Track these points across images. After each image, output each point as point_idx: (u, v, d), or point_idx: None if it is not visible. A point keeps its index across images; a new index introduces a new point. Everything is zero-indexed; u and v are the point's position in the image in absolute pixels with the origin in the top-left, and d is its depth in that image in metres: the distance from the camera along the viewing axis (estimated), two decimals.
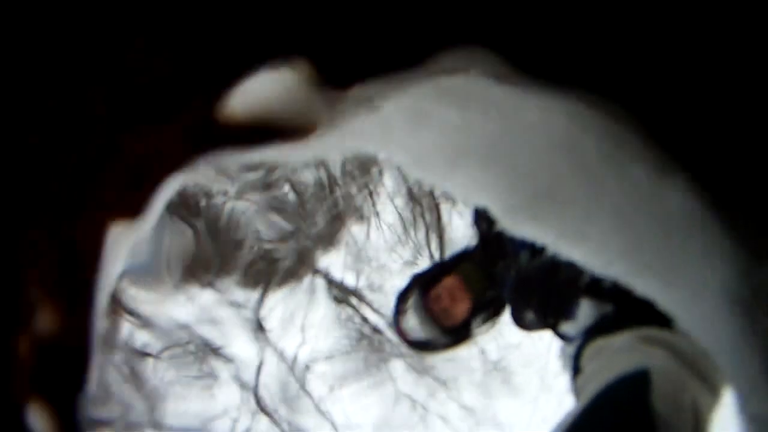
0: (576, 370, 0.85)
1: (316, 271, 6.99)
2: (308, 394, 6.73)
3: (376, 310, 7.10)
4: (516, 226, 0.66)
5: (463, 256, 1.59)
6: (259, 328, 7.32)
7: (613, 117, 0.49)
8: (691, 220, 0.50)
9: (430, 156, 0.59)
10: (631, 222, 0.56)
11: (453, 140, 0.58)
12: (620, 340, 0.76)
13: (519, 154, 0.62)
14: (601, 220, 0.59)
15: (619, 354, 0.73)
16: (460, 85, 0.50)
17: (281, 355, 7.06)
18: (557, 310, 1.12)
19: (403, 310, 1.55)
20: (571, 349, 0.90)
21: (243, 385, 3.55)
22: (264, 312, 7.58)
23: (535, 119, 0.55)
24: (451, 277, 1.48)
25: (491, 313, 1.53)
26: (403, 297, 1.57)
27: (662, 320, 0.63)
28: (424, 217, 6.51)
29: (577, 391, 0.78)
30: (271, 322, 7.80)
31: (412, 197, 7.01)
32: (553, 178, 0.61)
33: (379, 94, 0.50)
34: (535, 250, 1.25)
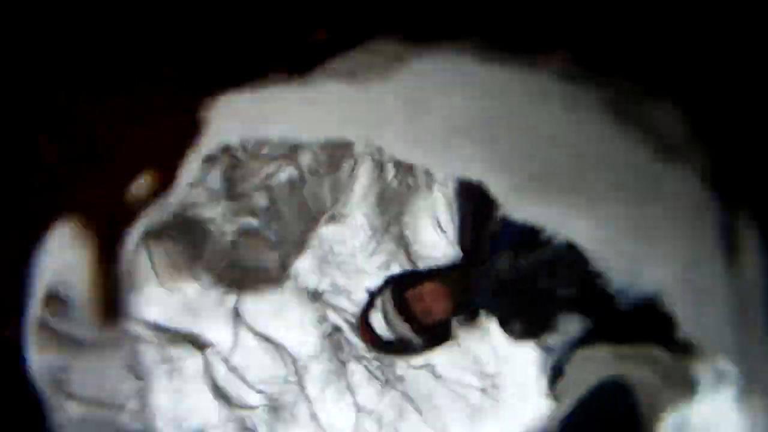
0: (555, 377, 0.93)
1: (287, 275, 6.92)
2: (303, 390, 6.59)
3: (344, 318, 6.98)
4: (520, 206, 0.66)
5: (446, 268, 1.61)
6: (236, 316, 7.04)
7: (610, 93, 0.52)
8: (688, 200, 0.54)
9: (428, 138, 0.57)
10: (633, 200, 0.56)
11: (452, 122, 0.56)
12: (601, 354, 0.82)
13: (518, 135, 0.63)
14: (604, 200, 0.60)
15: (601, 365, 0.78)
16: (457, 67, 0.49)
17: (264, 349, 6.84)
18: (539, 319, 1.20)
19: (373, 306, 1.58)
20: (552, 359, 0.99)
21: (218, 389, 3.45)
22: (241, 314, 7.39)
23: (532, 101, 0.57)
24: (432, 283, 1.52)
25: (470, 316, 1.56)
26: (377, 293, 1.59)
27: (638, 336, 0.69)
28: (389, 227, 6.52)
29: (557, 396, 0.85)
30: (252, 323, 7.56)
31: (383, 199, 7.01)
32: (553, 158, 0.62)
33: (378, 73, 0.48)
34: (516, 255, 1.28)
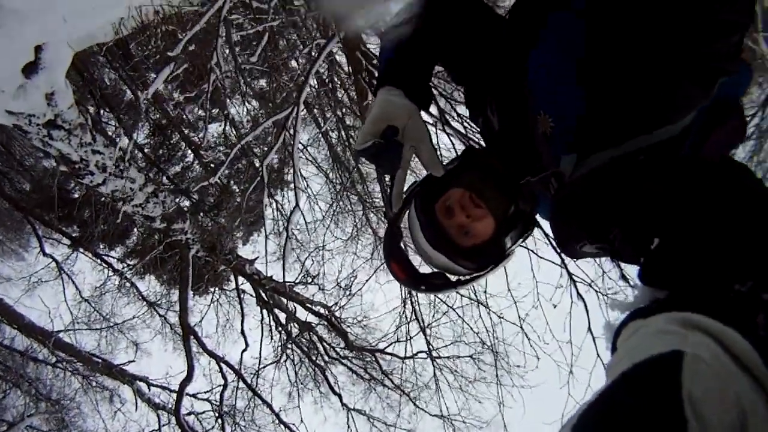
0: (613, 350, 0.76)
1: (240, 271, 6.45)
2: (266, 402, 6.29)
3: (314, 311, 6.65)
4: None
5: (466, 163, 1.21)
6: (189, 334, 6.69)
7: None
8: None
9: None
10: None
11: None
12: (657, 321, 0.67)
13: None
14: None
15: (654, 336, 0.63)
16: None
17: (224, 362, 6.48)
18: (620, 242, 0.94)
19: (399, 234, 1.19)
20: (614, 327, 0.77)
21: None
22: (195, 318, 7.00)
23: None
24: (456, 190, 1.15)
25: (521, 230, 1.19)
26: (395, 219, 1.21)
27: (715, 313, 0.59)
28: (354, 186, 6.11)
29: (607, 372, 0.66)
30: (208, 329, 7.29)
31: (335, 155, 6.61)
32: None
33: None
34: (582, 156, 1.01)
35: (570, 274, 5.06)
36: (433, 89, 1.30)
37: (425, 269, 1.20)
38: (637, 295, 0.82)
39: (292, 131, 4.50)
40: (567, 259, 5.00)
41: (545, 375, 5.58)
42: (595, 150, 0.98)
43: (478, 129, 1.28)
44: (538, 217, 1.23)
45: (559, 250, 1.18)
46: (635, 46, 0.92)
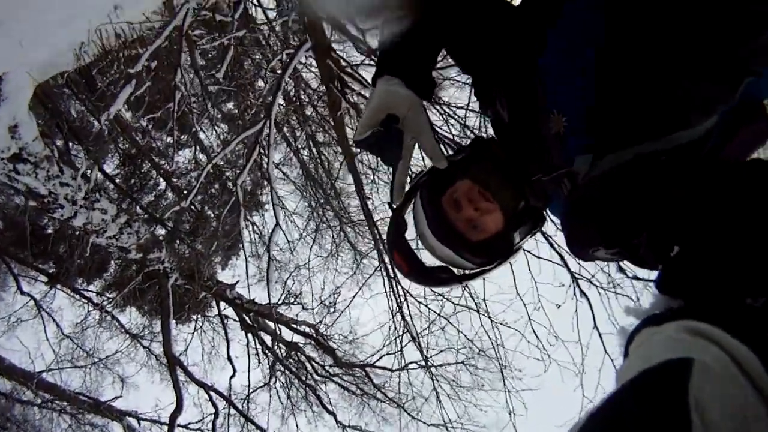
0: (626, 356, 0.73)
1: (222, 296, 6.34)
2: (259, 427, 6.19)
3: (299, 331, 6.58)
4: None
5: (475, 155, 1.14)
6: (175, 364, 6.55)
7: None
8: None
9: None
10: None
11: None
12: (669, 329, 0.65)
13: None
14: None
15: (664, 343, 0.62)
16: None
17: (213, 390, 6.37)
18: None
19: (403, 225, 1.16)
20: (628, 333, 0.74)
21: None
22: (180, 347, 6.88)
23: None
24: (464, 182, 1.10)
25: (530, 225, 1.14)
26: (399, 210, 1.17)
27: (727, 325, 0.57)
28: (329, 201, 6.04)
29: (617, 378, 0.63)
30: (194, 357, 7.19)
31: (308, 173, 6.55)
32: None
33: None
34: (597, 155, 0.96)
35: (571, 273, 5.00)
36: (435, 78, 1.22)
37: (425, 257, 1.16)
38: (652, 302, 0.81)
39: (265, 145, 4.41)
40: (567, 257, 4.96)
41: (553, 377, 5.53)
42: (611, 150, 0.94)
43: (489, 120, 1.22)
44: (548, 213, 1.20)
45: (568, 251, 1.14)
46: (655, 42, 0.88)
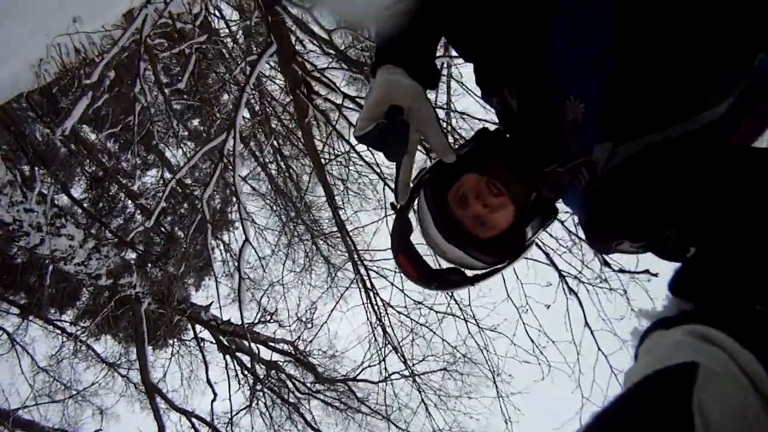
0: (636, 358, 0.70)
1: (197, 319, 6.16)
2: None
3: (278, 349, 6.42)
4: None
5: (480, 147, 1.09)
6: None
7: None
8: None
9: None
10: None
11: None
12: (677, 332, 0.64)
13: None
14: None
15: (671, 347, 0.61)
16: None
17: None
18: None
19: (408, 227, 1.10)
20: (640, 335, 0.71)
21: None
22: (158, 373, 6.68)
23: None
24: (470, 176, 1.05)
25: (543, 218, 1.08)
26: (403, 211, 1.10)
27: (735, 331, 0.56)
28: (299, 211, 5.91)
29: (624, 381, 0.63)
30: (173, 382, 7.00)
31: (277, 188, 6.43)
32: None
33: None
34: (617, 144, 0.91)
35: (559, 271, 4.90)
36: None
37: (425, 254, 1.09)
38: (665, 304, 0.78)
39: (229, 156, 4.25)
40: (553, 255, 4.86)
41: (546, 379, 5.40)
42: (631, 137, 0.88)
43: (493, 110, 1.16)
44: (562, 205, 1.13)
45: (588, 245, 1.18)
46: (670, 17, 0.83)
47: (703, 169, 0.80)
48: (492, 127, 1.17)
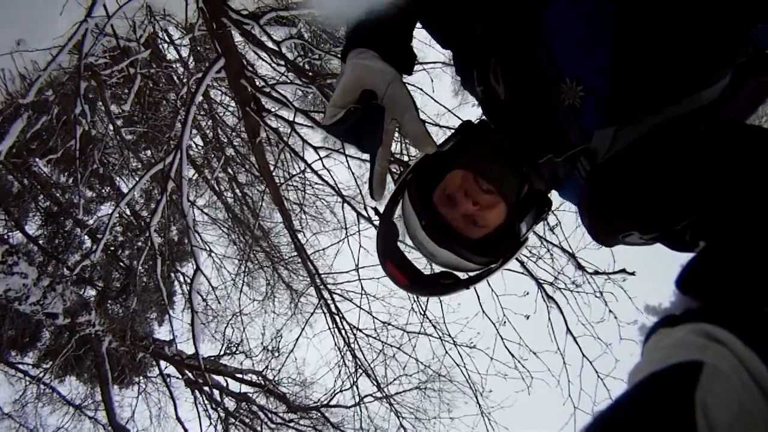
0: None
1: (161, 355, 5.95)
2: None
3: (246, 380, 6.23)
4: None
5: (465, 141, 1.03)
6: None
7: None
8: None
9: None
10: None
11: None
12: (681, 331, 0.62)
13: None
14: None
15: (676, 345, 0.59)
16: None
17: None
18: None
19: (393, 231, 1.02)
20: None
21: None
22: (126, 413, 6.45)
23: None
24: (456, 172, 0.99)
25: (537, 212, 1.03)
26: (386, 213, 1.03)
27: (741, 331, 0.54)
28: (255, 237, 5.75)
29: (628, 379, 0.61)
30: (143, 421, 6.77)
31: (234, 215, 6.28)
32: None
33: None
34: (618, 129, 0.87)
35: (536, 279, 4.78)
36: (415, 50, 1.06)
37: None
38: (673, 301, 0.75)
39: (173, 178, 4.06)
40: (528, 263, 4.75)
41: (534, 391, 5.27)
42: (638, 116, 0.84)
43: (476, 99, 1.09)
44: (559, 197, 1.09)
45: (592, 238, 0.97)
46: None
47: (718, 155, 0.75)
48: (476, 120, 1.10)
